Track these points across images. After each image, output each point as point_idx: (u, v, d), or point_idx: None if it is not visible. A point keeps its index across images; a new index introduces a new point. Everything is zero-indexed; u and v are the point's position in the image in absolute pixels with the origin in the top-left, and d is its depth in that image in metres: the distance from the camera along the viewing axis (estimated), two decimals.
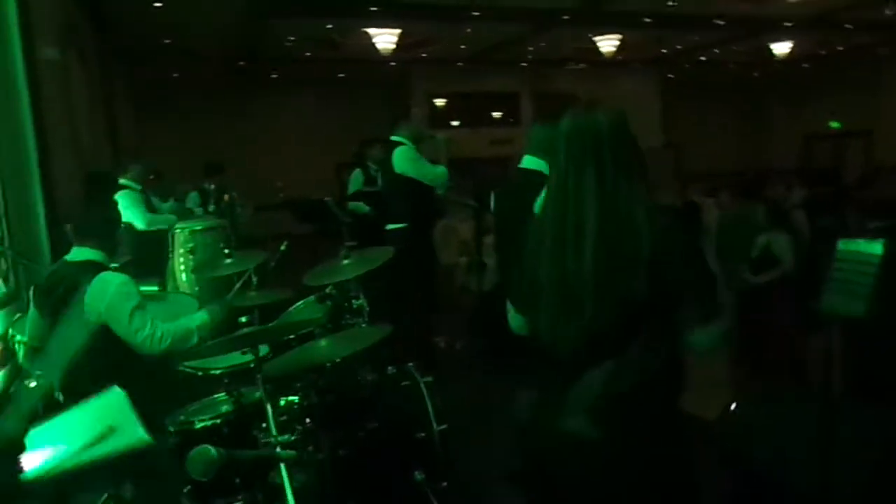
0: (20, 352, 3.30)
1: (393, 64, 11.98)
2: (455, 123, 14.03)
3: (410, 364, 2.72)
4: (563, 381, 1.37)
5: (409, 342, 3.96)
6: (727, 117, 16.48)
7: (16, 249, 3.79)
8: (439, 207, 4.43)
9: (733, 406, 2.90)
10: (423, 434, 2.46)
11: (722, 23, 10.45)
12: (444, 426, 2.48)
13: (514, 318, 1.55)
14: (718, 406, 2.87)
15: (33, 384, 2.66)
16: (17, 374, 3.39)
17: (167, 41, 9.85)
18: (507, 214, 2.99)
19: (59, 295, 2.54)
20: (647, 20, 10.10)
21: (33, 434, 0.91)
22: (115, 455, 0.94)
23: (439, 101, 14.09)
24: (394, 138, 4.19)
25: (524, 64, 13.55)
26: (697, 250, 1.39)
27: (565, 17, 9.71)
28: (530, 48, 12.18)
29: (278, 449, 1.71)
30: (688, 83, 15.14)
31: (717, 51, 12.89)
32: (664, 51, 13.00)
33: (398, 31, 9.88)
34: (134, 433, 0.98)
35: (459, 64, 13.12)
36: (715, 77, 15.30)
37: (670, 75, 14.83)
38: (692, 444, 1.47)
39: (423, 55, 12.10)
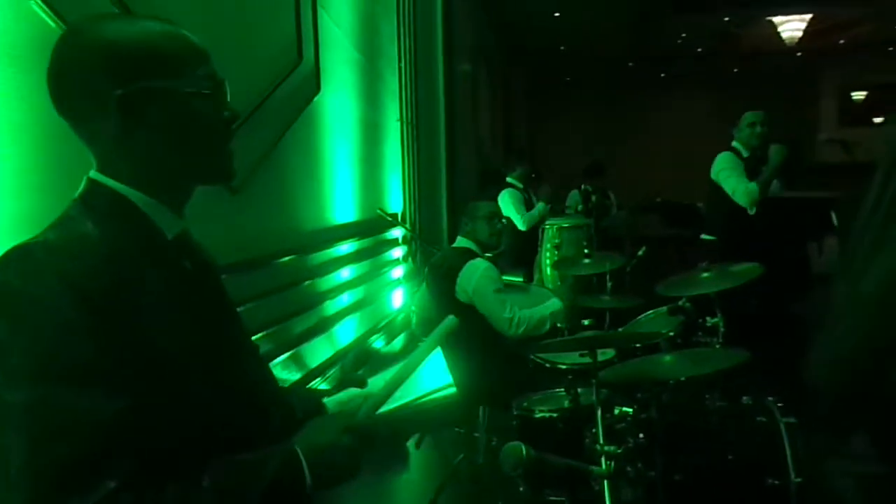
0: (414, 320, 3.95)
1: (799, 54, 10.60)
2: (878, 120, 11.74)
3: (771, 399, 2.40)
4: (824, 429, 1.03)
5: (775, 373, 3.50)
6: None
7: (422, 235, 4.54)
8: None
9: None
10: (775, 482, 2.15)
11: None
12: (801, 479, 2.12)
13: None
14: None
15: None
16: (412, 339, 4.08)
17: (562, 47, 10.52)
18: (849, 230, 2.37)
19: (441, 275, 2.96)
20: None
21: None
22: (427, 400, 1.05)
23: (857, 95, 11.96)
24: (734, 143, 3.87)
25: None
26: None
27: None
28: None
29: (602, 461, 1.70)
30: None
31: None
32: None
33: (809, 16, 8.69)
34: (444, 381, 1.07)
35: (889, 49, 10.90)
36: None
37: None
38: None
39: (840, 41, 10.40)
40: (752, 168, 3.81)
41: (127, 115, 0.85)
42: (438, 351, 1.11)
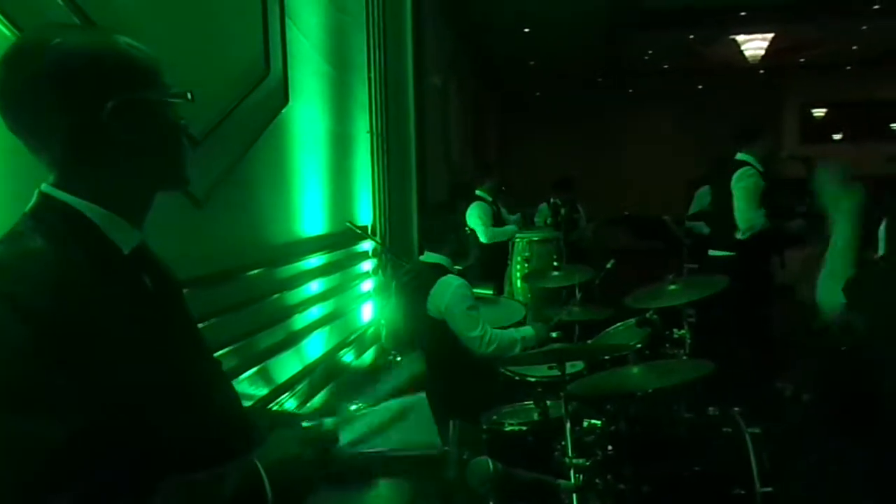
0: (383, 333, 3.92)
1: (761, 72, 10.89)
2: (836, 137, 12.13)
3: (736, 409, 2.43)
4: None
5: (740, 384, 3.56)
6: None
7: (391, 247, 4.52)
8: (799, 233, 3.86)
9: None
10: (741, 492, 2.18)
11: None
12: (769, 489, 2.15)
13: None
14: None
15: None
16: (382, 353, 4.04)
17: (532, 62, 10.63)
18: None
19: (413, 290, 2.94)
20: None
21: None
22: (406, 453, 1.04)
23: (818, 112, 12.33)
24: (739, 157, 3.84)
25: None
26: None
27: None
28: None
29: (571, 473, 1.70)
30: None
31: None
32: None
33: (770, 35, 8.94)
34: (428, 439, 1.07)
35: (847, 68, 11.27)
36: None
37: None
38: None
39: (801, 60, 10.72)
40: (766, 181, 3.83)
41: (114, 127, 0.85)
42: (425, 404, 1.12)
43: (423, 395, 1.15)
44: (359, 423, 1.05)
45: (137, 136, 0.87)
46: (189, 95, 0.92)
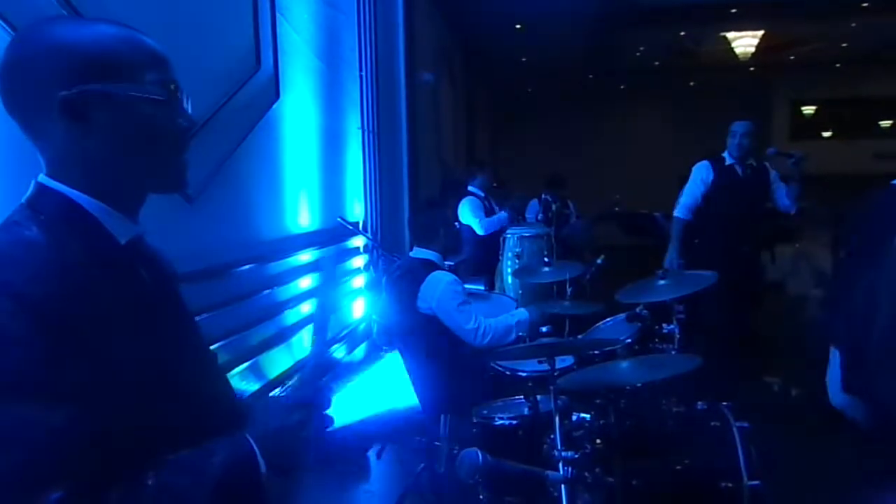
0: (374, 328, 3.93)
1: (752, 69, 10.95)
2: (826, 134, 12.21)
3: (725, 404, 2.45)
4: None
5: (727, 379, 3.60)
6: None
7: (383, 244, 4.53)
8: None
9: None
10: (729, 485, 2.20)
11: None
12: (756, 482, 2.17)
13: (834, 388, 1.23)
14: None
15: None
16: (373, 348, 4.06)
17: (524, 59, 10.64)
18: (860, 245, 2.44)
19: (402, 286, 2.94)
20: None
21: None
22: (391, 414, 1.05)
23: (807, 109, 12.41)
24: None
25: None
26: None
27: None
28: None
29: (561, 466, 1.72)
30: None
31: None
32: None
33: (761, 32, 8.99)
34: (407, 398, 1.08)
35: (837, 66, 11.34)
36: None
37: None
38: None
39: (791, 58, 10.78)
40: (729, 176, 3.89)
41: (71, 118, 0.83)
42: (399, 363, 1.12)
43: (395, 352, 1.15)
44: (349, 409, 1.05)
45: (110, 130, 0.85)
46: (160, 96, 0.87)
